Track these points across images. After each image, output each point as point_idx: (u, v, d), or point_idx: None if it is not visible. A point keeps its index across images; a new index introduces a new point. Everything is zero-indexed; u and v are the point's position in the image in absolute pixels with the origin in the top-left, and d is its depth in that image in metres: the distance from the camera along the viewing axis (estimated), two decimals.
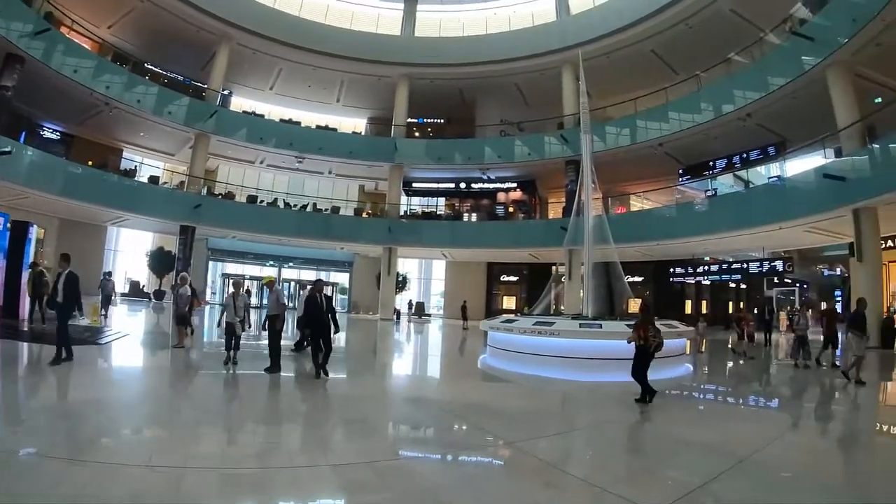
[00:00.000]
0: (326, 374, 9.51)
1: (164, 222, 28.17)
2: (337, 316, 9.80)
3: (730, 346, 18.73)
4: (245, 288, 10.73)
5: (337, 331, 9.85)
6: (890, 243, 22.82)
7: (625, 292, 15.01)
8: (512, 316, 15.35)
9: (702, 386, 12.33)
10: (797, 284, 39.56)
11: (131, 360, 11.55)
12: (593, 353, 11.66)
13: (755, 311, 21.53)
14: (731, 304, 38.25)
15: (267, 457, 5.16)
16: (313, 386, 9.17)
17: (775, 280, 35.46)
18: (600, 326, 11.86)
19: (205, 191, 29.12)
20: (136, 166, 30.24)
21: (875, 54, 18.01)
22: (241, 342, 11.08)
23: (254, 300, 30.11)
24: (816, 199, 18.31)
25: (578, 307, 25.56)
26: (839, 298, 43.30)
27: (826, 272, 50.48)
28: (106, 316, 18.17)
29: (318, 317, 9.59)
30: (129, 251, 35.81)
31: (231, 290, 11.00)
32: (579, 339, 11.70)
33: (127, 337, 14.11)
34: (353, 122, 36.57)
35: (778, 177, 22.40)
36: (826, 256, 46.75)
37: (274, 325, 10.34)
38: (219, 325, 12.45)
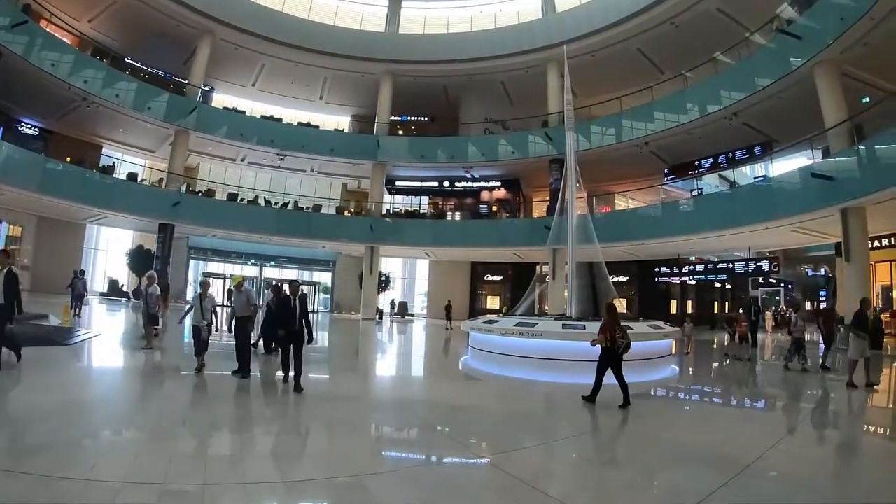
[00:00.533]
0: (300, 390, 8.45)
1: (142, 220, 27.67)
2: (311, 323, 9.00)
3: (725, 349, 18.01)
4: (243, 286, 9.97)
5: (310, 341, 8.94)
6: (877, 243, 22.78)
7: (609, 292, 14.59)
8: (494, 316, 14.99)
9: (689, 387, 12.12)
10: (781, 284, 39.76)
11: (94, 362, 11.03)
12: (576, 354, 11.28)
13: (740, 311, 21.22)
14: (716, 304, 38.22)
15: (216, 471, 4.72)
16: (280, 392, 8.70)
17: (760, 280, 35.60)
18: (583, 327, 11.49)
19: (184, 188, 28.57)
20: (114, 163, 29.66)
21: (863, 54, 17.78)
22: (212, 343, 10.57)
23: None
24: (803, 198, 18.09)
25: (563, 307, 25.62)
26: (823, 298, 43.57)
27: (810, 272, 50.84)
28: (78, 316, 17.61)
29: (290, 322, 8.72)
30: (110, 250, 35.40)
31: (199, 290, 10.39)
32: (562, 341, 11.33)
33: (98, 337, 13.62)
34: (337, 120, 36.09)
35: (764, 176, 22.20)
36: (811, 257, 47.05)
37: (245, 327, 9.86)
38: (180, 322, 11.91)
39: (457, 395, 10.16)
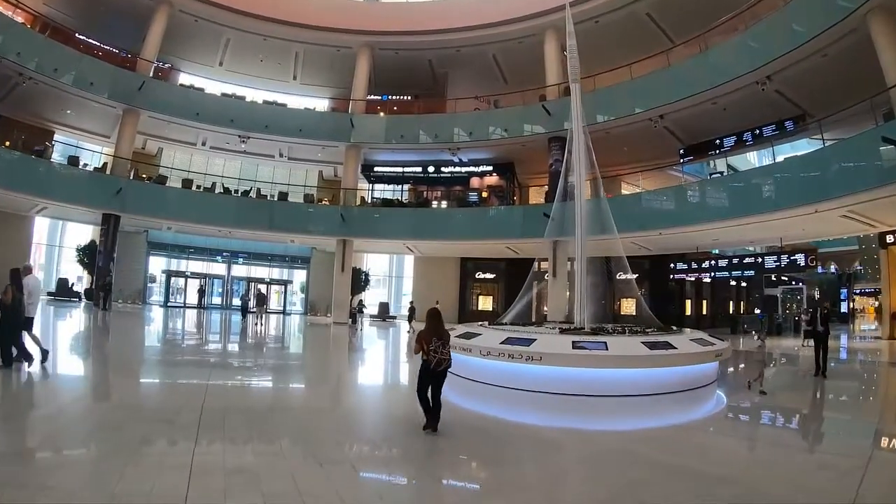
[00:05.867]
0: None
1: (85, 210, 24.69)
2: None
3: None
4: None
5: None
6: None
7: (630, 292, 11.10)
8: (476, 326, 10.96)
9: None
10: (793, 283, 36.48)
11: None
12: (594, 387, 7.69)
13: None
14: (731, 303, 34.76)
15: None
16: None
17: (773, 278, 32.27)
18: (604, 347, 7.81)
19: (133, 175, 25.52)
20: (50, 146, 26.09)
21: None
22: None
23: None
24: (869, 172, 14.69)
25: (564, 310, 22.11)
26: (844, 299, 40.42)
27: (821, 269, 47.68)
28: None
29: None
30: (64, 245, 31.68)
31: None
32: (572, 368, 7.65)
33: None
34: (314, 104, 32.43)
35: (822, 142, 18.36)
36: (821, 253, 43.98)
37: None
38: None
39: (395, 462, 6.22)
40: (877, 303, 48.77)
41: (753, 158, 31.62)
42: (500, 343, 8.58)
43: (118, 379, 9.67)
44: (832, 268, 48.42)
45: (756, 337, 8.99)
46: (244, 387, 9.77)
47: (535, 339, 8.48)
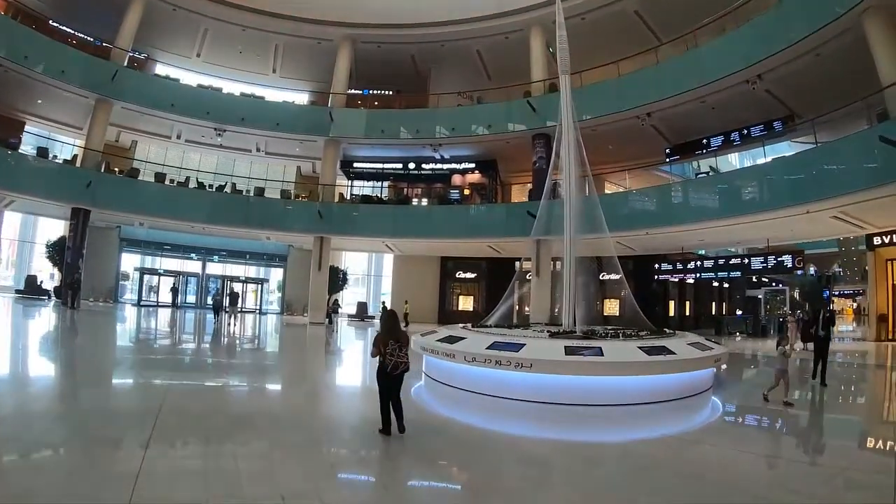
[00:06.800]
0: None
1: (53, 204, 23.78)
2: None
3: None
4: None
5: None
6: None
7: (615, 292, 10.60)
8: (459, 329, 10.27)
9: None
10: (774, 284, 36.49)
11: None
12: (589, 396, 7.11)
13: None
14: (714, 304, 34.56)
15: None
16: None
17: (753, 279, 32.17)
18: (599, 352, 7.22)
19: (104, 168, 24.49)
20: (19, 137, 25.11)
21: None
22: None
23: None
24: (863, 172, 14.39)
25: (548, 312, 21.62)
26: (826, 300, 40.50)
27: (800, 272, 47.92)
28: None
29: None
30: (36, 241, 31.07)
31: None
32: (566, 376, 7.06)
33: None
34: (294, 99, 31.54)
35: (816, 143, 18.06)
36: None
37: None
38: None
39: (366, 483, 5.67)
40: (855, 304, 49.15)
41: (735, 160, 31.44)
42: (487, 348, 7.97)
43: (62, 383, 8.99)
44: (812, 270, 48.66)
45: (778, 344, 8.22)
46: (204, 391, 9.07)
47: (524, 344, 7.87)
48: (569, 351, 7.51)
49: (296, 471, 5.23)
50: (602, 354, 7.37)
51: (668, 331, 10.49)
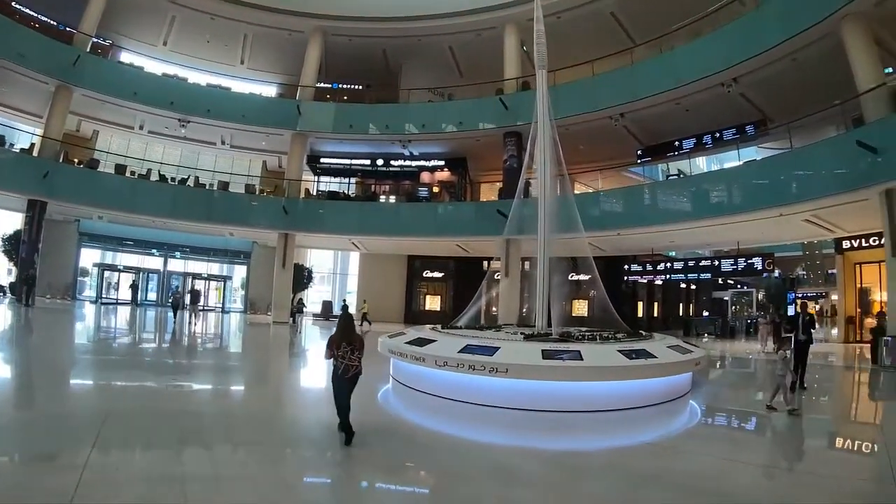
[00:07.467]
0: None
1: (7, 195, 22.55)
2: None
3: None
4: None
5: None
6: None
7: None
8: (429, 330, 9.75)
9: None
10: (740, 286, 36.88)
11: None
12: (567, 402, 6.76)
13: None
14: (681, 305, 34.72)
15: None
16: None
17: (720, 281, 32.42)
18: (578, 356, 6.85)
19: (62, 158, 23.54)
20: None
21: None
22: None
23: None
24: (836, 177, 14.51)
25: (516, 313, 21.31)
26: (791, 302, 41.08)
27: (768, 274, 48.70)
28: None
29: None
30: None
31: None
32: (545, 382, 6.68)
33: None
34: (262, 91, 30.66)
35: (790, 147, 17.93)
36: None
37: None
38: None
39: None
40: (818, 306, 50.09)
41: (703, 164, 31.60)
42: (459, 352, 7.53)
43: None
44: (776, 272, 49.38)
45: (776, 349, 7.74)
46: (152, 395, 8.45)
47: (498, 348, 7.46)
48: (546, 355, 7.13)
49: (246, 480, 4.92)
50: (581, 358, 7.02)
51: (643, 333, 10.21)
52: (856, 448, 7.08)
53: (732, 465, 5.75)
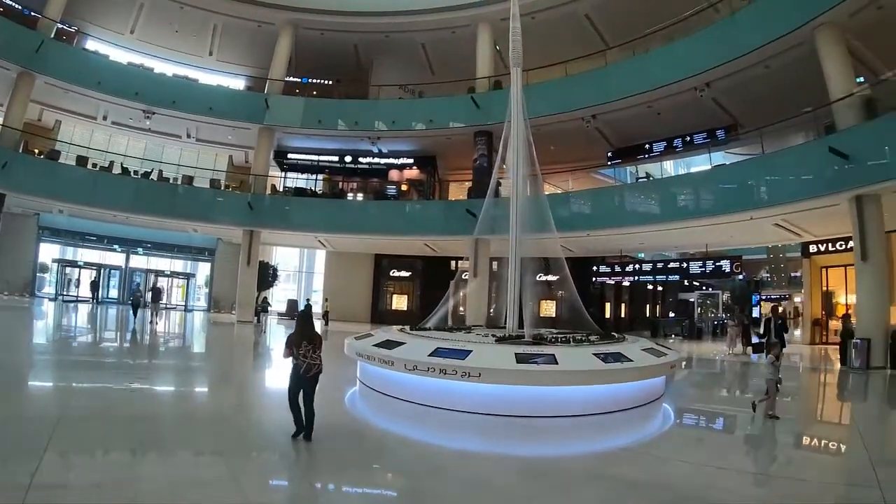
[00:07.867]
0: None
1: None
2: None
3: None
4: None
5: None
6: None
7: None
8: (397, 332, 9.42)
9: None
10: (705, 288, 37.28)
11: None
12: (540, 407, 6.57)
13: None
14: (648, 307, 35.00)
15: None
16: None
17: (685, 283, 32.76)
18: (553, 359, 6.65)
19: (23, 148, 22.66)
20: None
21: (871, 22, 14.87)
22: None
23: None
24: (807, 182, 14.87)
25: (484, 313, 21.11)
26: (755, 304, 41.81)
27: (739, 277, 49.66)
28: None
29: None
30: None
31: None
32: (519, 386, 6.47)
33: None
34: (230, 83, 29.90)
35: (761, 152, 18.28)
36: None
37: None
38: None
39: None
40: (781, 308, 51.13)
41: (671, 168, 31.89)
42: (429, 355, 7.26)
43: None
44: (741, 275, 50.16)
45: (768, 353, 7.63)
46: (103, 397, 8.04)
47: (470, 351, 7.21)
48: (520, 358, 6.92)
49: (204, 486, 4.70)
50: (556, 362, 6.82)
51: (616, 335, 10.09)
52: (837, 450, 7.13)
53: (712, 470, 5.62)
